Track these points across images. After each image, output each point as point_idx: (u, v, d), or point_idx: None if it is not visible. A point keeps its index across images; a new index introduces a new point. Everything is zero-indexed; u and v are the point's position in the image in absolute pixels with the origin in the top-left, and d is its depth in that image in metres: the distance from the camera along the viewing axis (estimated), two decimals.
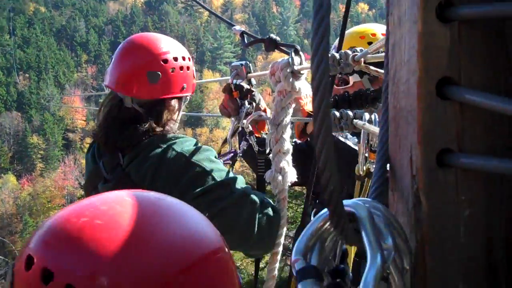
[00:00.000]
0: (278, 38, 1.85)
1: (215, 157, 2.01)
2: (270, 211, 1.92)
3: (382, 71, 1.50)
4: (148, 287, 0.84)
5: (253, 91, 2.24)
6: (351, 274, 0.76)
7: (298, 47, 1.70)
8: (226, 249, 0.96)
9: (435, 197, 0.70)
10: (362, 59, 1.45)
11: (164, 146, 1.97)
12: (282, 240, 1.96)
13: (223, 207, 1.86)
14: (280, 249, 1.98)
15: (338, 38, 1.82)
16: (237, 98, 2.24)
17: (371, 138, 1.43)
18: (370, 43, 2.12)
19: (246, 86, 2.23)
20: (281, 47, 1.81)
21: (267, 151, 2.11)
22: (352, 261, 1.70)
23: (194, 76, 2.17)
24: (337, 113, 1.47)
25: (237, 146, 2.39)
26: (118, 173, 2.00)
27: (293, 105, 1.85)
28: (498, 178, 0.71)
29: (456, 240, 0.71)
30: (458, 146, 0.70)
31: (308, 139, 2.26)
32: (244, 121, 2.19)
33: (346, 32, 1.82)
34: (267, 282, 2.09)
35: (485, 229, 0.72)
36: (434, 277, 0.72)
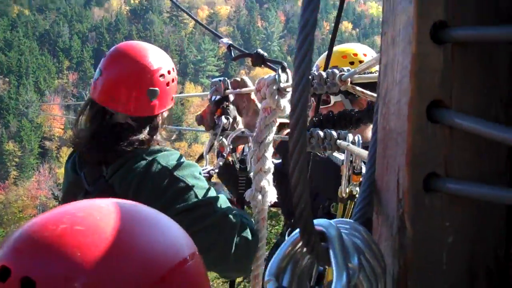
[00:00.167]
0: (265, 54, 1.84)
1: (200, 173, 1.99)
2: (248, 233, 1.89)
3: (368, 92, 1.50)
4: None
5: (229, 107, 2.24)
6: None
7: (285, 64, 1.69)
8: (198, 253, 0.98)
9: (421, 222, 0.69)
10: (349, 79, 1.44)
11: (149, 158, 1.93)
12: (262, 261, 1.92)
13: (205, 226, 1.83)
14: (261, 270, 1.94)
15: (325, 57, 1.82)
16: (216, 115, 2.23)
17: (354, 160, 1.41)
18: (352, 63, 2.15)
19: (225, 102, 2.24)
20: (268, 63, 1.80)
21: (248, 168, 2.08)
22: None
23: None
24: (321, 133, 1.46)
25: (214, 162, 2.38)
26: (101, 184, 1.95)
27: (277, 123, 1.83)
28: (484, 205, 0.70)
29: (439, 266, 0.69)
30: (445, 170, 0.68)
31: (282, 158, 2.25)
32: (225, 139, 2.18)
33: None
34: None
35: (469, 257, 0.70)
36: None
